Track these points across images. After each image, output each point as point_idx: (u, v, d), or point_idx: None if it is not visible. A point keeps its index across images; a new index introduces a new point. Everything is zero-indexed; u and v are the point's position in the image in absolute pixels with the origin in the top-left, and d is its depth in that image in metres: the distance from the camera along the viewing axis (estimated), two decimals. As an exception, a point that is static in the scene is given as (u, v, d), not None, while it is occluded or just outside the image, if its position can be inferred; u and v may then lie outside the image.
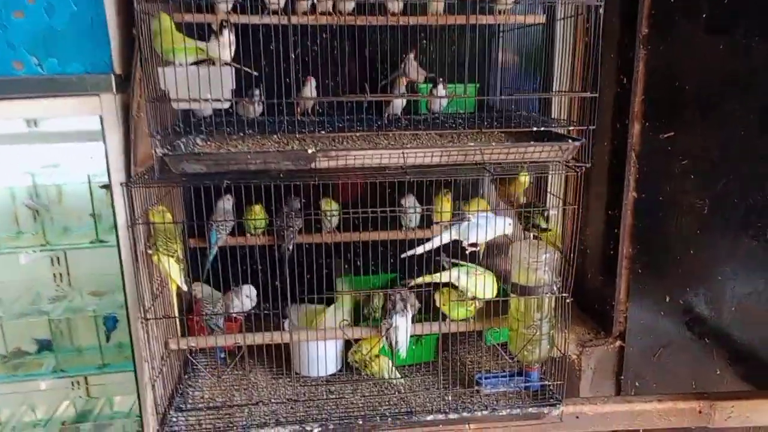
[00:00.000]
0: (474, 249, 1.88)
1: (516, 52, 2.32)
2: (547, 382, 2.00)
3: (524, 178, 1.93)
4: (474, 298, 1.87)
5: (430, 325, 1.95)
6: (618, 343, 2.33)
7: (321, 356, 2.03)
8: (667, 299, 2.31)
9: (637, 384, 2.37)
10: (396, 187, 2.06)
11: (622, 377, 2.34)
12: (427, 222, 2.23)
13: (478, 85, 2.39)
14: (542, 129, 1.83)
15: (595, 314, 2.42)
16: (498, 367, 2.20)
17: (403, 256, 1.89)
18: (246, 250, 2.12)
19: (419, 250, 1.88)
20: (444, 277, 1.88)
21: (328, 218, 2.32)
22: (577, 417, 2.13)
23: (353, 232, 2.22)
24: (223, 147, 1.91)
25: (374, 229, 2.07)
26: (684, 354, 2.33)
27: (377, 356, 2.00)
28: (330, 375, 2.17)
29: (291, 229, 2.27)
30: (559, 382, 1.98)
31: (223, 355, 2.23)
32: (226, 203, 2.19)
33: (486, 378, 2.04)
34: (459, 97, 2.01)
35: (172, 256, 1.75)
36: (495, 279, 1.95)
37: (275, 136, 1.87)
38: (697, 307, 2.19)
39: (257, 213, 2.24)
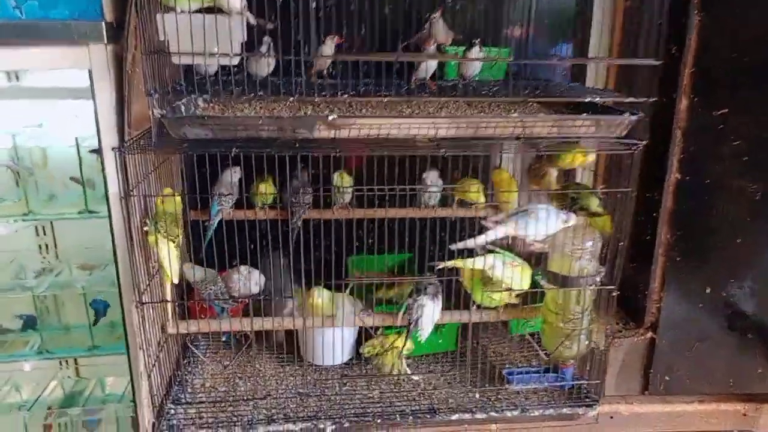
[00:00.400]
0: (541, 248, 1.68)
1: (547, 15, 2.08)
2: (583, 381, 1.82)
3: (574, 158, 1.71)
4: (509, 290, 1.67)
5: (458, 313, 1.75)
6: (649, 334, 2.17)
7: (334, 344, 1.84)
8: (708, 290, 2.14)
9: (667, 378, 2.21)
10: (417, 159, 1.84)
11: (651, 371, 2.18)
12: (446, 201, 2.02)
13: (510, 50, 2.17)
14: (596, 101, 1.60)
15: (624, 303, 2.24)
16: (524, 360, 2.02)
17: (452, 247, 1.68)
18: (246, 224, 1.92)
19: (470, 243, 1.67)
20: (478, 263, 1.67)
21: (341, 193, 2.11)
22: (612, 417, 1.97)
23: (367, 209, 2.01)
24: (228, 110, 1.68)
25: (390, 206, 1.85)
26: (722, 350, 2.17)
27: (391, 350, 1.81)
28: (343, 364, 1.98)
29: (300, 204, 2.06)
30: (596, 381, 1.80)
31: (225, 338, 2.04)
32: (234, 176, 1.97)
33: (516, 374, 1.86)
34: (499, 60, 1.78)
35: (173, 241, 1.54)
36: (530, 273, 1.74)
37: (287, 99, 1.64)
38: (740, 300, 2.02)
39: (268, 186, 2.02)
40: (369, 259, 2.40)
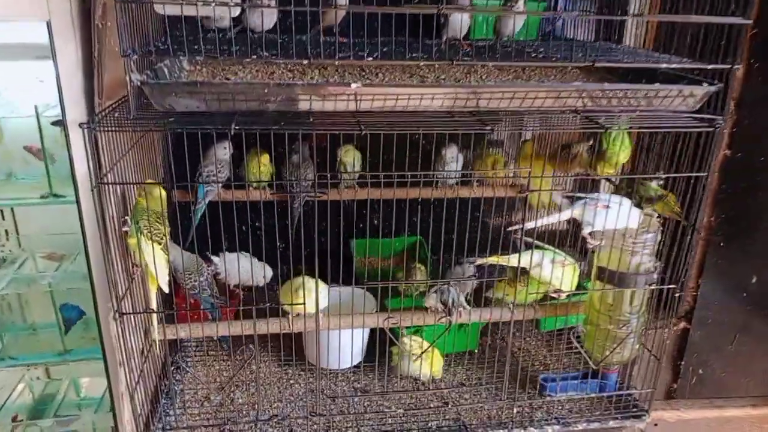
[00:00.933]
0: (595, 244, 1.43)
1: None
2: (635, 391, 1.60)
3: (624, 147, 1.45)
4: (558, 291, 1.43)
5: (488, 311, 1.50)
6: (682, 324, 1.98)
7: (345, 346, 1.58)
8: (754, 279, 1.95)
9: (700, 372, 2.04)
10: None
11: (682, 363, 2.01)
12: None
13: (543, 4, 1.88)
14: (673, 67, 1.33)
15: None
16: (554, 359, 1.80)
17: (509, 229, 1.42)
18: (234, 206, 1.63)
19: (530, 225, 1.41)
20: (520, 260, 1.42)
21: (347, 171, 1.84)
22: (656, 425, 1.76)
23: (378, 189, 1.74)
24: (219, 74, 1.38)
25: (401, 185, 1.58)
26: (765, 344, 2.01)
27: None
28: (354, 367, 1.74)
29: (301, 185, 1.79)
30: (648, 390, 1.59)
31: (220, 338, 1.79)
32: (222, 152, 1.69)
33: (553, 381, 1.63)
34: (558, 15, 1.49)
35: (159, 243, 1.26)
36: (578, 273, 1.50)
37: (292, 61, 1.35)
38: (792, 291, 1.85)
39: (264, 164, 1.74)
40: (374, 243, 2.15)
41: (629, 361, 1.58)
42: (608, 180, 1.74)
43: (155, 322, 1.33)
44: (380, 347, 1.54)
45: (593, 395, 1.61)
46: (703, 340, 1.99)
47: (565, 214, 1.41)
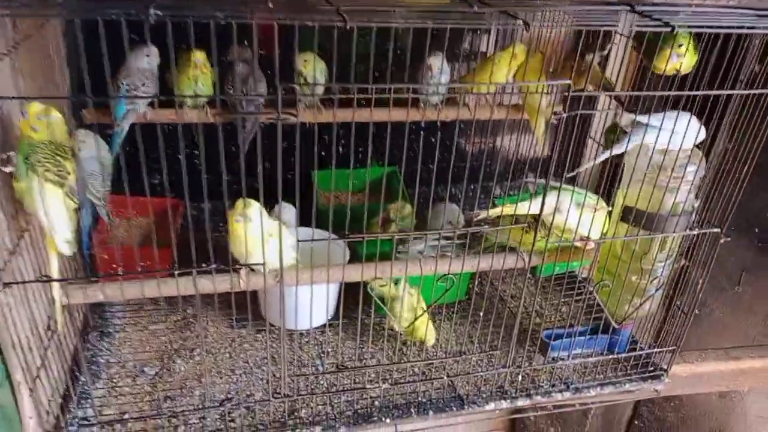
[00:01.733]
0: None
1: None
2: (658, 350, 1.38)
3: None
4: (585, 239, 1.14)
5: (480, 258, 1.20)
6: (682, 261, 1.79)
7: (312, 302, 1.27)
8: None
9: (696, 312, 1.87)
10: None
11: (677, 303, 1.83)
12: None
13: None
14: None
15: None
16: (554, 309, 1.56)
17: (569, 175, 1.11)
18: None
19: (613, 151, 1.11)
20: (535, 206, 1.12)
21: (309, 86, 1.47)
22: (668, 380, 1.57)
23: (346, 109, 1.39)
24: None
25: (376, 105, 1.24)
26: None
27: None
28: (321, 326, 1.44)
29: (255, 100, 1.42)
30: (670, 349, 1.37)
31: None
32: (144, 61, 1.29)
33: (558, 338, 1.39)
34: None
35: (61, 186, 0.89)
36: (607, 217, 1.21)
37: None
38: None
39: (203, 71, 1.35)
40: (340, 174, 1.82)
41: (651, 315, 1.35)
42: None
43: (57, 294, 0.97)
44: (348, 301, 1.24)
45: (606, 354, 1.38)
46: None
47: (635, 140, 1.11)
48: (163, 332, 1.43)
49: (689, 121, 1.10)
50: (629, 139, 1.15)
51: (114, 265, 1.37)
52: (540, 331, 1.41)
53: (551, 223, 1.10)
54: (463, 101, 1.61)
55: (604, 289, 1.31)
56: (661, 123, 1.09)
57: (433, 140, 1.83)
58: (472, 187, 2.03)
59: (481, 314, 1.35)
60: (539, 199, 1.09)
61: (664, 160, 1.13)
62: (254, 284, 1.07)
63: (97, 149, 1.15)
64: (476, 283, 1.57)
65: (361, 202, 1.88)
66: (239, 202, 1.02)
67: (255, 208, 1.02)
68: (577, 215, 1.10)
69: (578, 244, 1.14)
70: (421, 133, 1.77)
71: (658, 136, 1.10)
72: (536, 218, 1.12)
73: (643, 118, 1.12)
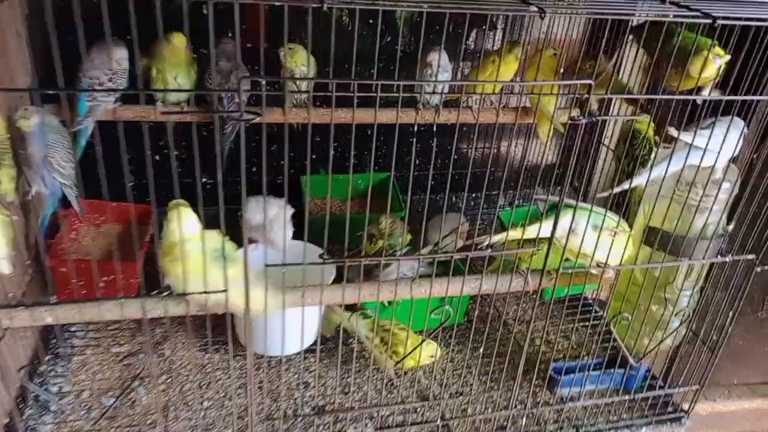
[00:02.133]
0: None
1: None
2: (678, 389, 1.22)
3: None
4: (603, 266, 0.99)
5: (480, 280, 1.05)
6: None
7: (291, 327, 1.11)
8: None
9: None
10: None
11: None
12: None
13: None
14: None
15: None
16: (561, 335, 1.41)
17: (627, 186, 0.97)
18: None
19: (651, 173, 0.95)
20: (546, 228, 0.96)
21: (297, 84, 1.34)
22: (686, 419, 1.41)
23: (337, 110, 1.26)
24: None
25: (365, 106, 1.10)
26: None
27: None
28: (302, 352, 1.29)
29: (238, 96, 1.28)
30: (693, 388, 1.22)
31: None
32: (113, 53, 1.17)
33: (567, 371, 1.24)
34: None
35: None
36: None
37: None
38: None
39: (176, 54, 1.22)
40: (332, 180, 1.67)
41: (672, 349, 1.20)
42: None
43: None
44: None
45: (621, 393, 1.23)
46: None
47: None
48: (128, 355, 1.29)
49: (742, 131, 0.95)
50: (670, 159, 0.98)
51: (72, 281, 1.24)
52: (547, 361, 1.26)
53: (564, 246, 0.95)
54: (466, 102, 1.47)
55: (622, 323, 1.16)
56: (709, 137, 0.94)
57: (432, 144, 1.69)
58: (474, 196, 1.89)
59: (483, 341, 1.20)
60: (550, 220, 0.94)
61: (696, 175, 0.98)
62: (216, 308, 0.92)
63: (45, 121, 1.02)
64: (477, 303, 1.43)
65: (353, 211, 1.74)
66: (172, 209, 0.83)
67: (192, 218, 0.84)
68: (595, 239, 0.95)
69: (594, 271, 0.99)
70: (418, 137, 1.64)
71: (703, 154, 0.94)
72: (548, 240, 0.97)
73: (687, 136, 0.97)
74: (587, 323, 1.42)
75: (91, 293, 0.99)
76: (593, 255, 0.96)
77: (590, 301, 1.51)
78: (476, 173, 1.88)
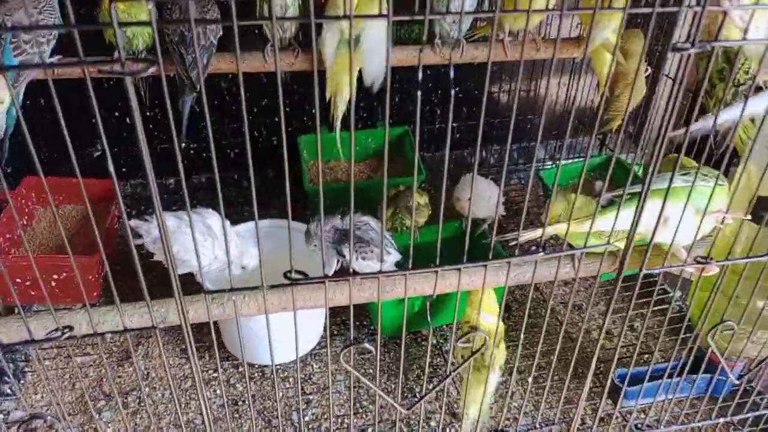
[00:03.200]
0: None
1: None
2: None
3: None
4: (704, 260, 0.69)
5: (530, 267, 0.75)
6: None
7: (286, 333, 0.83)
8: None
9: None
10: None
11: None
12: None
13: None
14: None
15: None
16: (629, 329, 1.13)
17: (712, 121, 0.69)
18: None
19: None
20: (625, 219, 0.66)
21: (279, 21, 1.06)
22: None
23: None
24: None
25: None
26: None
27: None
28: (301, 360, 1.05)
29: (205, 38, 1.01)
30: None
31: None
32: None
33: (635, 381, 0.96)
34: None
35: None
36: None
37: None
38: None
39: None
40: (334, 139, 1.37)
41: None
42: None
43: None
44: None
45: (707, 402, 0.96)
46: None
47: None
48: (94, 366, 1.06)
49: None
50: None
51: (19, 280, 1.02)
52: (607, 360, 0.99)
53: (650, 244, 0.66)
54: (496, 36, 1.16)
55: (698, 311, 0.88)
56: None
57: (450, 90, 1.38)
58: (501, 150, 1.57)
59: (522, 334, 0.93)
60: (630, 209, 0.64)
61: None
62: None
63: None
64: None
65: (362, 176, 1.46)
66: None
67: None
68: (695, 226, 0.65)
69: (690, 269, 0.70)
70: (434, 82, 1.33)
71: None
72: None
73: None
74: (657, 307, 1.13)
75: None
76: (690, 249, 0.67)
77: (656, 278, 1.22)
78: (505, 121, 1.54)
